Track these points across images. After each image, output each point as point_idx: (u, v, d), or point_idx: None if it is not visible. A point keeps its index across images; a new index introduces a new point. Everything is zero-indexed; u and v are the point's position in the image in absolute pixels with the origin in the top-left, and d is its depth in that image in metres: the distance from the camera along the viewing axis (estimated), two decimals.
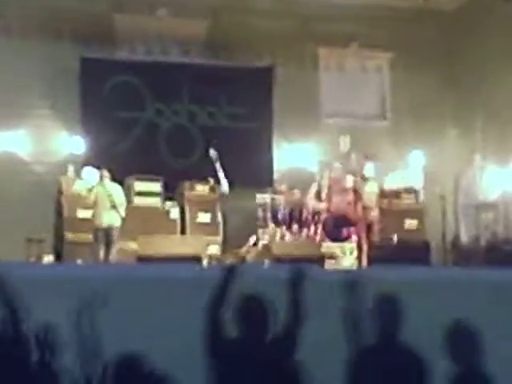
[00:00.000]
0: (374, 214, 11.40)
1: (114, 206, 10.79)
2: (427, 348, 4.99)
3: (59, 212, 11.41)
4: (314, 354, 5.20)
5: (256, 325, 4.64)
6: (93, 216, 10.74)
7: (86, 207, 11.07)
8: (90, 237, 10.89)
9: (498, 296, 7.11)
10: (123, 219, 10.76)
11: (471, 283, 7.30)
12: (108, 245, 10.56)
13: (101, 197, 10.79)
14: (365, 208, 11.28)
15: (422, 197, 12.93)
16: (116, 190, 10.93)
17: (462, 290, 7.09)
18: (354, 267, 10.56)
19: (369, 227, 11.28)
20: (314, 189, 12.41)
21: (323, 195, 12.30)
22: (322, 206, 12.18)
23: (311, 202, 12.27)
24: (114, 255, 10.60)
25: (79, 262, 10.51)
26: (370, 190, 11.62)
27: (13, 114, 12.54)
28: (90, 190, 10.87)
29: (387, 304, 5.04)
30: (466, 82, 14.68)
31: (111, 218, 10.69)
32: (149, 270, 6.82)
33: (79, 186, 11.40)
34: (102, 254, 10.56)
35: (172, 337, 5.48)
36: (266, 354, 4.59)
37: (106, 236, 10.58)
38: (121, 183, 11.88)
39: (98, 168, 11.51)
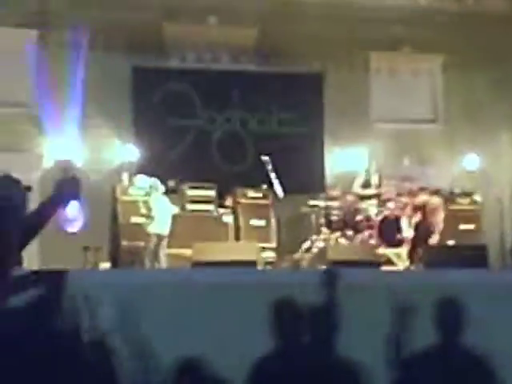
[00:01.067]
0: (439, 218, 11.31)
1: (164, 216, 11.01)
2: (490, 352, 4.90)
3: (115, 219, 11.52)
4: (365, 355, 5.12)
5: (293, 330, 4.59)
6: (146, 224, 11.02)
7: (141, 214, 11.22)
8: (144, 244, 11.07)
9: None
10: (173, 228, 11.01)
11: None
12: (157, 253, 10.83)
13: (154, 206, 11.04)
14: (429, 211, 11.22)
15: (478, 200, 12.76)
16: (166, 202, 11.19)
17: None
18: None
19: (428, 231, 11.20)
20: (360, 178, 12.36)
21: (373, 181, 12.24)
22: (371, 191, 12.09)
23: (358, 190, 12.19)
24: (163, 262, 10.83)
25: (135, 268, 10.64)
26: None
27: (68, 124, 12.68)
28: (145, 199, 11.14)
29: (448, 307, 4.96)
30: None
31: (162, 227, 10.94)
32: (207, 275, 6.86)
33: (134, 192, 11.59)
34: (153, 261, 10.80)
35: (233, 340, 5.50)
36: (304, 359, 4.54)
37: (157, 244, 10.85)
38: (174, 190, 12.00)
39: (152, 176, 11.66)
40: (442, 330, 4.87)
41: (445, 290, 5.17)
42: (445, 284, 6.41)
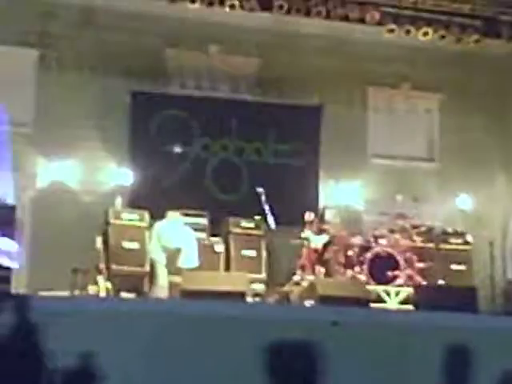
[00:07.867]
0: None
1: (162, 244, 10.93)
2: None
3: (106, 243, 11.45)
4: None
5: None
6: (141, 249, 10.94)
7: (132, 239, 11.15)
8: (134, 269, 11.00)
9: None
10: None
11: None
12: (152, 280, 10.72)
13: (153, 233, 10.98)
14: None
15: (470, 241, 12.76)
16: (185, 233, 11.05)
17: None
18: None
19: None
20: None
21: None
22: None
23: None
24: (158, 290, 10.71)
25: (123, 294, 10.57)
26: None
27: (64, 146, 12.71)
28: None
29: (458, 354, 4.84)
30: None
31: (159, 255, 10.84)
32: (199, 307, 6.76)
33: (128, 217, 11.53)
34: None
35: (222, 375, 5.42)
36: None
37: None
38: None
39: (145, 202, 11.60)
40: (449, 376, 4.78)
41: (453, 335, 5.02)
42: (452, 329, 6.13)
